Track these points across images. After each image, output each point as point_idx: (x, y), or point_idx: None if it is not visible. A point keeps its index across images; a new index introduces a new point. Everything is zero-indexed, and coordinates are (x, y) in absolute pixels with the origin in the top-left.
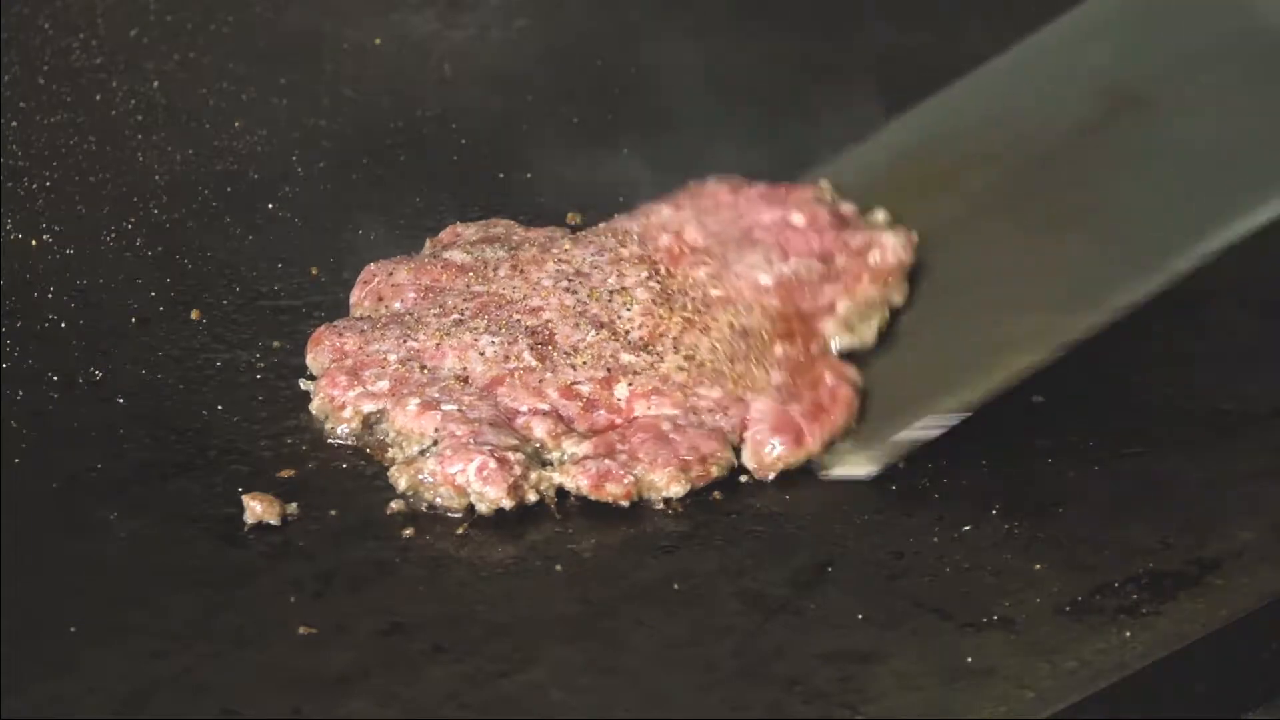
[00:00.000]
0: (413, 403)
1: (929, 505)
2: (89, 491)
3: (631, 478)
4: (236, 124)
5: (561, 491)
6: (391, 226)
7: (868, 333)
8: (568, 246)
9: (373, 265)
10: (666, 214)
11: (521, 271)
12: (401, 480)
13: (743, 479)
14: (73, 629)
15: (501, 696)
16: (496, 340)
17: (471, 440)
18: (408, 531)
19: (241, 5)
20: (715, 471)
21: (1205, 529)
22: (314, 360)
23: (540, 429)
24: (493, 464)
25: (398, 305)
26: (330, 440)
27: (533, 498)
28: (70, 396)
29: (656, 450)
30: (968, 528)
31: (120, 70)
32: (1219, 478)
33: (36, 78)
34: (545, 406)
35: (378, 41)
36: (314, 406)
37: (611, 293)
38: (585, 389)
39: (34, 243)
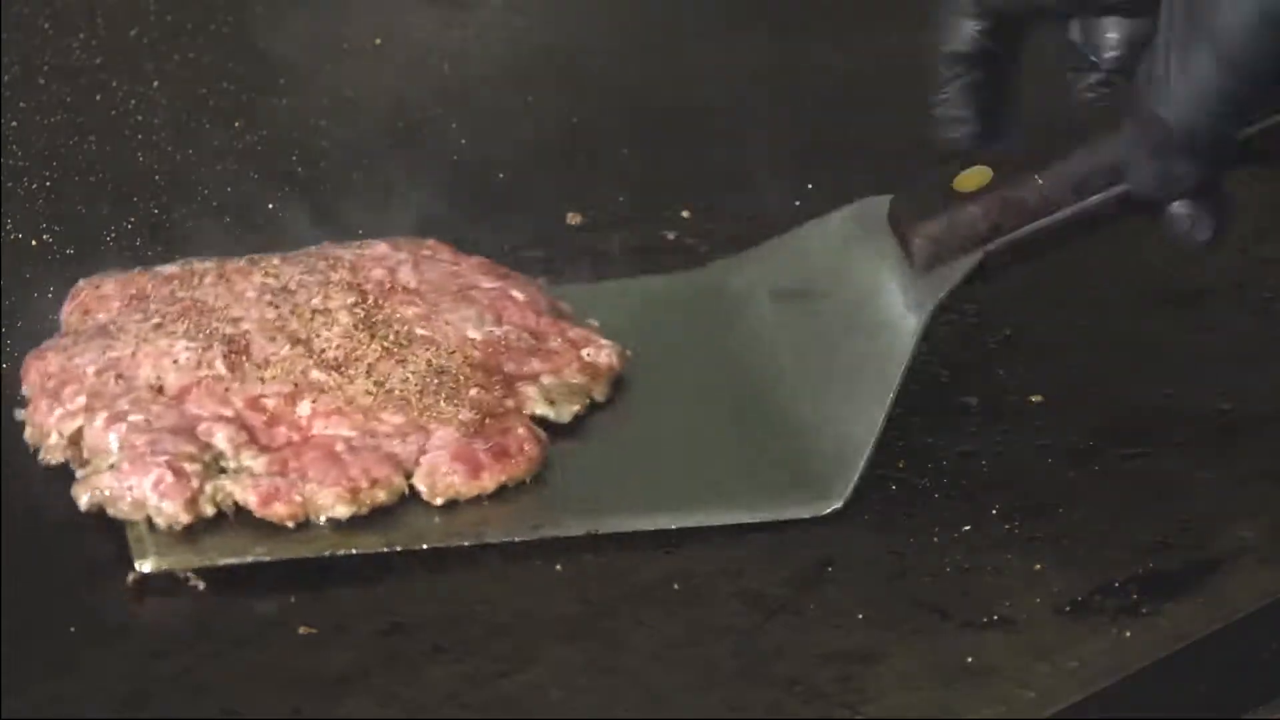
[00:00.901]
0: (100, 417)
1: (929, 505)
2: None
3: (299, 498)
4: (237, 124)
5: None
6: (392, 227)
7: (565, 412)
8: (276, 263)
9: (82, 280)
10: (384, 250)
11: (227, 281)
12: (83, 497)
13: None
14: (73, 629)
15: (501, 696)
16: (192, 346)
17: (149, 451)
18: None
19: (241, 5)
20: (383, 496)
21: (1205, 529)
22: (27, 389)
23: (221, 437)
24: (169, 478)
25: (103, 317)
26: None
27: (209, 510)
28: None
29: (327, 470)
30: (968, 528)
31: (120, 70)
32: (1219, 478)
33: (36, 78)
34: (229, 413)
35: (378, 41)
36: (26, 435)
37: (314, 312)
38: (270, 402)
39: (34, 243)
